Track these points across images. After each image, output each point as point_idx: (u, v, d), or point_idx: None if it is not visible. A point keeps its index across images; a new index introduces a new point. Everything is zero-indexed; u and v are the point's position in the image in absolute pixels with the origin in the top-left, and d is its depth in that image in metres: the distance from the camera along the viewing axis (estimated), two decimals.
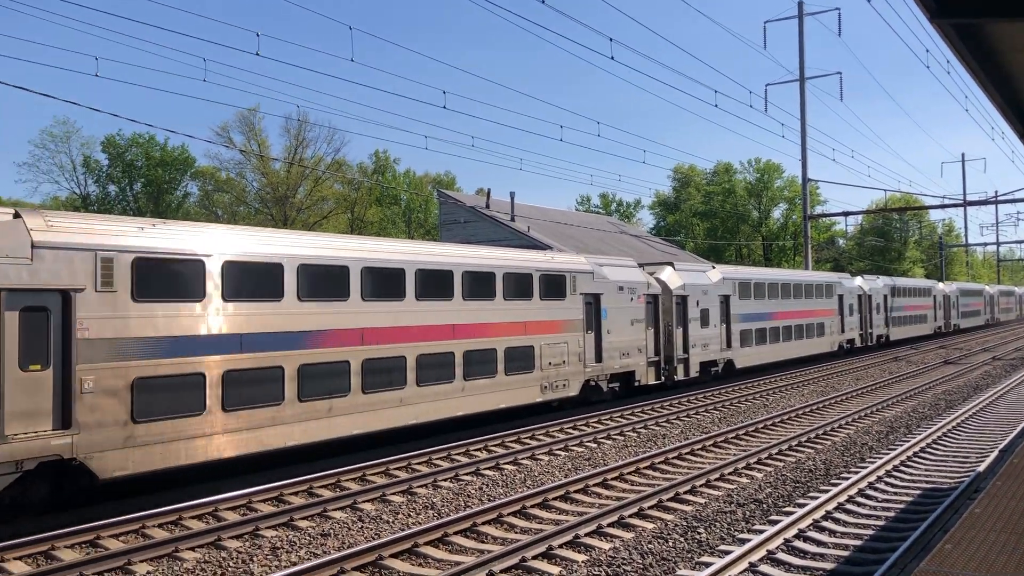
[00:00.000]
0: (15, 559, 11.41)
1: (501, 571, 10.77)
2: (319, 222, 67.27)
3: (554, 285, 23.29)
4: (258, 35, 34.82)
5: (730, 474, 16.31)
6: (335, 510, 14.04)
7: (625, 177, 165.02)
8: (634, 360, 26.44)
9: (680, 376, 29.30)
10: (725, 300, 32.17)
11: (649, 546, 11.81)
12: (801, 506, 13.76)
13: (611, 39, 36.88)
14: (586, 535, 12.26)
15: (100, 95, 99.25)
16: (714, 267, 33.42)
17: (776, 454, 18.18)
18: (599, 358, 24.89)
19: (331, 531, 12.85)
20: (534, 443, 19.71)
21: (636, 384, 26.77)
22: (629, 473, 16.55)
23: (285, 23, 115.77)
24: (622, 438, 20.74)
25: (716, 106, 69.28)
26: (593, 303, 24.72)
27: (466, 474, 16.74)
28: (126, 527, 12.76)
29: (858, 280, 47.56)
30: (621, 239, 54.64)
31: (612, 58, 54.59)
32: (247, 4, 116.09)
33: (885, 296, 50.30)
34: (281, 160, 65.95)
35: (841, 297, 43.62)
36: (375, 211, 75.05)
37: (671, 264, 30.75)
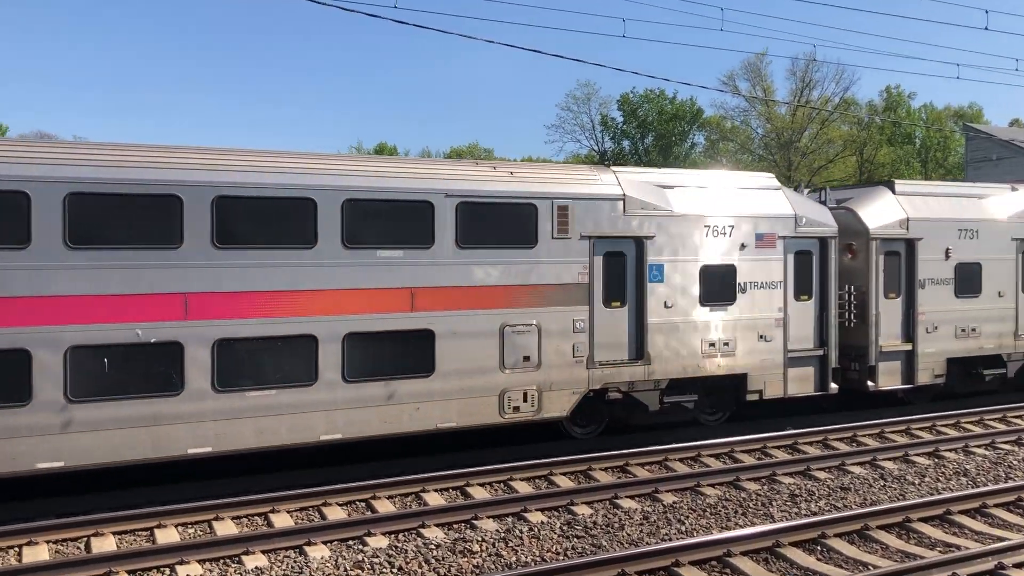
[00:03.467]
0: (600, 470, 13.25)
1: None
2: (824, 166, 64.78)
3: (511, 220, 13.82)
4: None
5: None
6: (853, 464, 13.58)
7: None
8: (750, 353, 15.58)
9: (887, 383, 17.14)
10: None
11: None
12: None
13: None
14: None
15: (624, 55, 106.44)
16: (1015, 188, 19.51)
17: None
18: (637, 350, 14.70)
19: (850, 485, 12.46)
20: None
21: (754, 397, 15.71)
22: None
23: None
24: None
25: None
26: (628, 253, 14.68)
27: (1005, 442, 14.99)
28: (651, 457, 13.81)
29: None
30: None
31: None
32: None
33: None
34: (786, 104, 64.55)
35: None
36: (886, 152, 69.96)
37: (890, 187, 17.86)
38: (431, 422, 13.17)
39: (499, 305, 13.52)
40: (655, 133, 73.34)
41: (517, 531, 10.48)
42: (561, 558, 9.70)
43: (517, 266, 13.66)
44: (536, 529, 10.58)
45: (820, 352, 16.27)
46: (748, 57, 65.06)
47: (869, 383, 16.93)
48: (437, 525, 10.67)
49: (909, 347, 17.29)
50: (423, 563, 9.50)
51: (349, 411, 12.64)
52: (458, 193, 13.30)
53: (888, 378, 17.14)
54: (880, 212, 17.21)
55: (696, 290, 15.04)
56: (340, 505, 11.46)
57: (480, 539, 10.16)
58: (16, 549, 9.88)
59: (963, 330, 17.88)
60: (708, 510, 11.40)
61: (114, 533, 10.33)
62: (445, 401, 13.19)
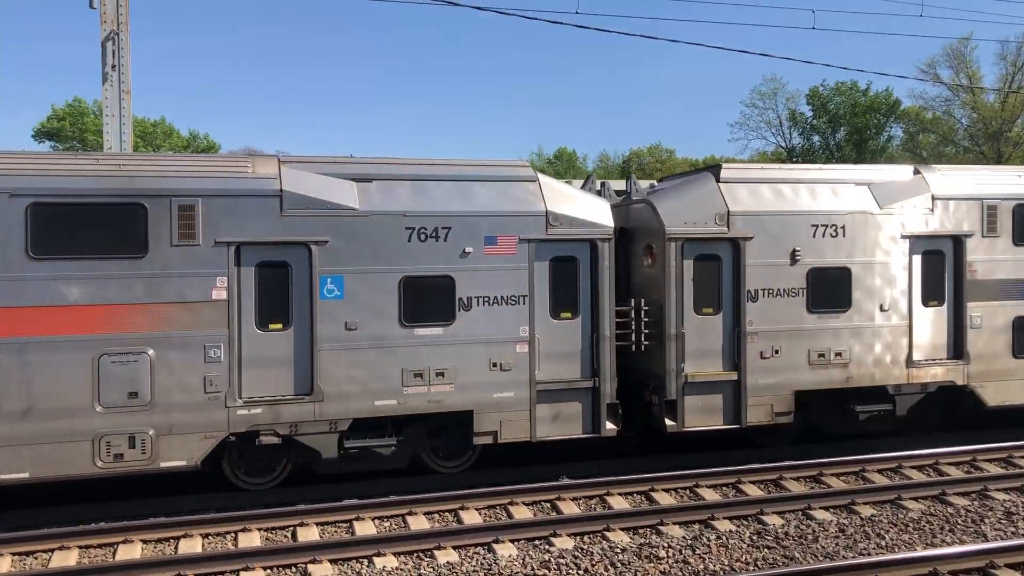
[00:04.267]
0: (791, 479, 12.69)
1: None
2: None
3: (111, 223, 11.31)
4: None
5: None
6: None
7: None
8: (477, 386, 12.56)
9: (697, 422, 13.51)
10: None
11: None
12: None
13: None
14: None
15: (813, 48, 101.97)
16: None
17: None
18: (303, 383, 11.91)
19: None
20: None
21: (485, 440, 12.69)
22: None
23: None
24: None
25: None
26: (293, 263, 11.89)
27: None
28: (847, 468, 13.13)
29: None
30: None
31: None
32: None
33: None
34: (995, 91, 59.70)
35: None
36: None
37: (715, 172, 14.23)
38: None
39: (93, 329, 11.00)
40: (848, 127, 69.95)
41: (704, 539, 10.25)
42: (751, 568, 9.44)
43: (119, 281, 11.11)
44: (724, 537, 10.31)
45: (589, 384, 13.01)
46: (950, 42, 60.80)
47: (668, 421, 13.28)
48: (622, 529, 10.61)
49: (734, 376, 13.62)
50: (609, 566, 9.48)
51: None
52: (29, 192, 10.85)
53: (699, 416, 13.41)
54: (688, 206, 13.52)
55: (394, 308, 12.02)
56: (526, 505, 11.61)
57: (666, 545, 10.02)
58: (232, 535, 10.66)
59: (821, 355, 13.88)
60: (911, 525, 10.72)
61: (317, 524, 10.96)
62: (12, 448, 10.79)
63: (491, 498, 11.65)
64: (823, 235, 13.89)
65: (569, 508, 11.52)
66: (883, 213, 14.22)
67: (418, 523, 10.98)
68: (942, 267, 14.59)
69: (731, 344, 13.59)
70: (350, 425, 11.99)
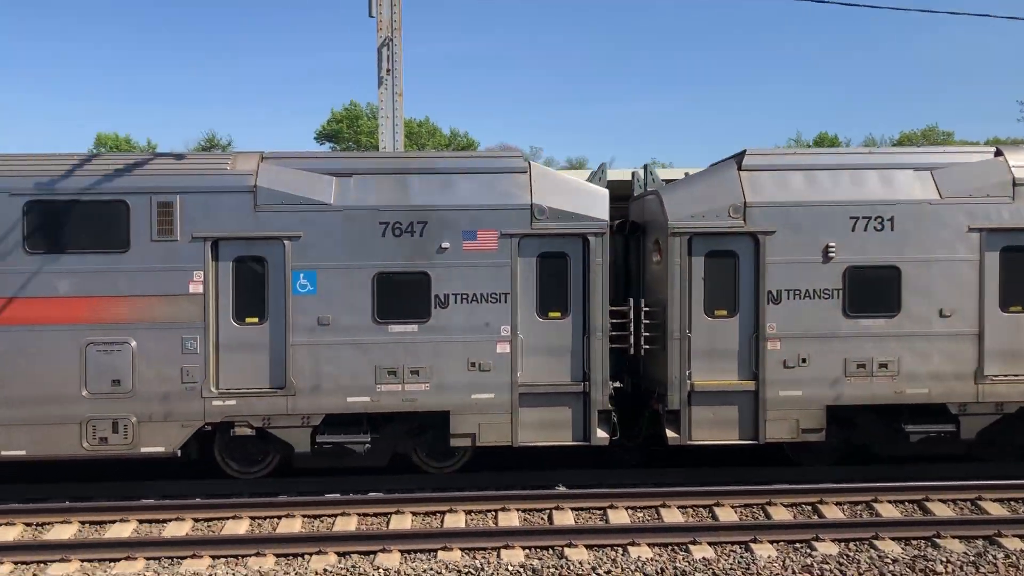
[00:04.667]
0: (889, 502, 11.49)
1: None
2: None
3: (96, 219, 11.89)
4: None
5: None
6: None
7: None
8: (454, 387, 12.11)
9: (706, 436, 12.32)
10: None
11: None
12: None
13: None
14: None
15: None
16: None
17: None
18: (277, 376, 12.00)
19: None
20: None
21: (463, 443, 12.27)
22: None
23: None
24: None
25: None
26: (270, 257, 11.97)
27: None
28: None
29: None
30: None
31: None
32: None
33: None
34: None
35: None
36: None
37: (738, 160, 12.72)
38: None
39: (80, 320, 11.60)
40: None
41: (990, 556, 9.51)
42: None
43: (104, 275, 11.64)
44: (1014, 557, 9.50)
45: (579, 388, 12.13)
46: None
47: (670, 433, 12.23)
48: (892, 538, 10.08)
49: (752, 386, 12.21)
50: None
51: None
52: (23, 191, 11.62)
53: (708, 430, 12.24)
54: (698, 197, 12.32)
55: (368, 303, 11.78)
56: (785, 506, 11.29)
57: (944, 559, 9.41)
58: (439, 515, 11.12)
59: (861, 365, 12.16)
60: None
61: (518, 510, 11.23)
62: (8, 427, 11.58)
63: (747, 496, 11.43)
64: (865, 228, 12.15)
65: (832, 512, 11.11)
66: (945, 203, 12.20)
67: (671, 516, 10.96)
68: None
69: (749, 351, 12.25)
70: (323, 420, 11.97)
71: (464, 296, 11.99)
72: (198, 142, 62.93)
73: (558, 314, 12.21)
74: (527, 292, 12.12)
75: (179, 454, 12.00)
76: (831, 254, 12.13)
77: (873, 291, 12.16)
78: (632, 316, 12.39)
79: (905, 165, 12.58)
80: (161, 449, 11.87)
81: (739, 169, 12.47)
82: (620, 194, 14.00)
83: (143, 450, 11.84)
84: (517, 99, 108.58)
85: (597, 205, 12.26)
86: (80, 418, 11.74)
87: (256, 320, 11.96)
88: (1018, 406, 12.31)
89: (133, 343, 11.74)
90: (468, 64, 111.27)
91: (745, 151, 12.76)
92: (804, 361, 12.15)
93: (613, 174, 14.84)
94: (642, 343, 12.38)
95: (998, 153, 12.75)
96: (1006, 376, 12.32)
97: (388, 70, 15.89)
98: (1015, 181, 12.28)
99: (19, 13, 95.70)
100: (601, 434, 12.20)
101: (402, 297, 11.94)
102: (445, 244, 11.93)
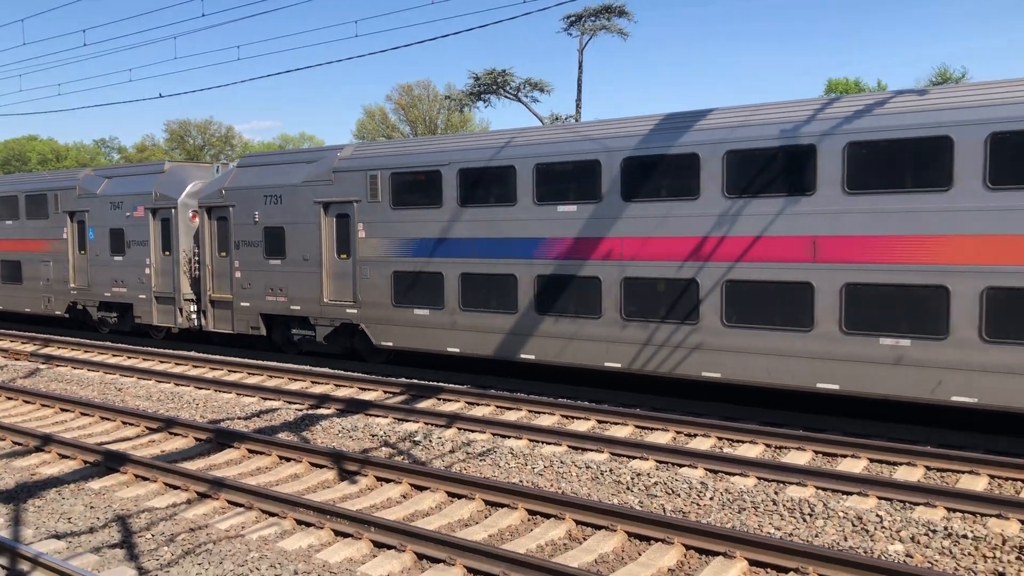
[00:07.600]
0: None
1: None
2: None
3: None
4: None
5: None
6: None
7: None
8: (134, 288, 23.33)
9: (217, 327, 21.24)
10: None
11: None
12: None
13: None
14: None
15: None
16: None
17: None
18: None
19: None
20: None
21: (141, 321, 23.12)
22: None
23: None
24: None
25: None
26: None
27: None
28: None
29: None
30: None
31: None
32: None
33: None
34: None
35: None
36: None
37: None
38: None
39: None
40: None
41: None
42: None
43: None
44: None
45: (173, 295, 21.55)
46: None
47: (203, 323, 21.08)
48: None
49: (230, 298, 20.31)
50: None
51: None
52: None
53: (218, 323, 21.00)
54: (210, 184, 21.28)
55: (107, 244, 23.23)
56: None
57: None
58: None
59: (272, 289, 19.51)
60: None
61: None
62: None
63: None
64: (271, 203, 19.37)
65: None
66: (303, 184, 18.76)
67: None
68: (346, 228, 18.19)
69: (230, 276, 20.52)
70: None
71: (136, 241, 22.86)
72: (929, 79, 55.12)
73: (168, 252, 22.09)
74: (157, 241, 22.52)
75: None
76: (257, 219, 19.65)
77: (277, 242, 19.36)
78: (195, 256, 21.66)
79: (293, 161, 19.55)
80: None
81: (238, 167, 20.81)
82: None
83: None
84: None
85: (179, 190, 21.91)
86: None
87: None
88: (342, 321, 18.32)
89: None
90: None
91: (249, 154, 21.11)
92: (250, 285, 20.03)
93: None
94: (195, 270, 21.59)
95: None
96: (336, 301, 18.41)
97: None
98: (334, 168, 18.19)
99: None
100: (180, 321, 21.94)
101: (119, 241, 23.64)
102: (128, 213, 23.13)
